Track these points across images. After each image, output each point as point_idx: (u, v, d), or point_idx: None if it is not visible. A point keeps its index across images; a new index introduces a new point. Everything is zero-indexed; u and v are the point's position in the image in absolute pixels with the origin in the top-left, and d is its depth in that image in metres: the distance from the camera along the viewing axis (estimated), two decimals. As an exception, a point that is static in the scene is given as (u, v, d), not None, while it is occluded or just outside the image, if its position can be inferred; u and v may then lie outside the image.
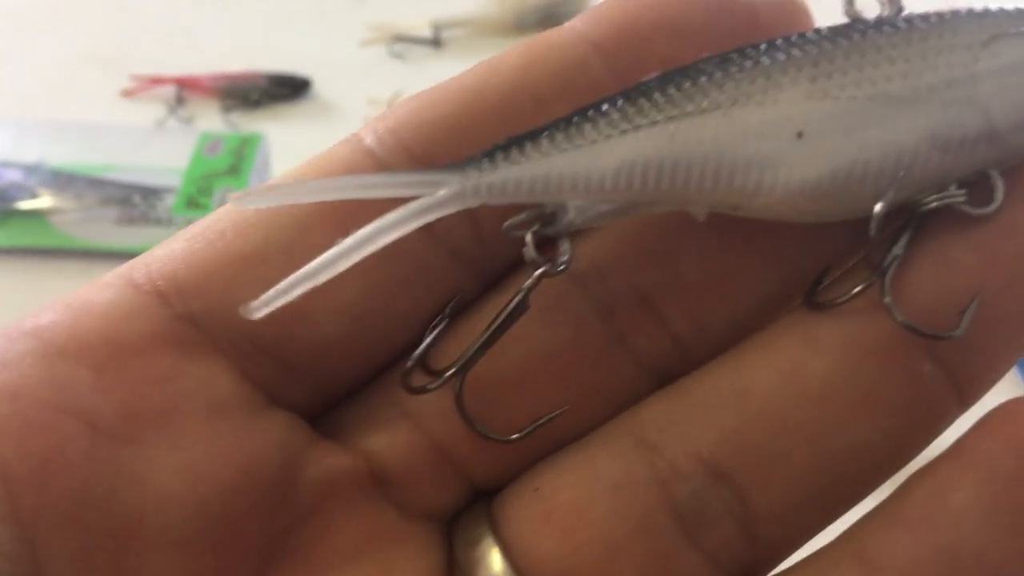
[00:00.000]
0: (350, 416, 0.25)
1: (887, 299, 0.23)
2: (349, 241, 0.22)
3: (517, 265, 0.24)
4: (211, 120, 0.71)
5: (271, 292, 0.21)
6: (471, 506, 0.25)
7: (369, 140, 0.24)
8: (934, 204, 0.23)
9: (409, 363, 0.24)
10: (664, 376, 0.25)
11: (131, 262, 0.23)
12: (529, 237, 0.23)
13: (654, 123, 0.23)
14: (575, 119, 0.23)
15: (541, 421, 0.24)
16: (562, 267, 0.23)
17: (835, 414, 0.23)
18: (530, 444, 0.24)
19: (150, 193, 0.59)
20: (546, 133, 0.23)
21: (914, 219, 0.23)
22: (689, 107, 0.23)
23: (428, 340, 0.24)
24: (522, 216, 0.23)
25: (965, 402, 0.23)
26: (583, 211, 0.24)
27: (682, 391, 0.24)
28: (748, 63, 0.23)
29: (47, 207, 0.59)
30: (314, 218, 0.23)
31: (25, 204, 0.59)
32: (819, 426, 0.23)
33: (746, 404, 0.24)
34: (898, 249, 0.23)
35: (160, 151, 0.63)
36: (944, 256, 0.23)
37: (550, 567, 0.24)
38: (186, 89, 0.73)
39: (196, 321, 0.23)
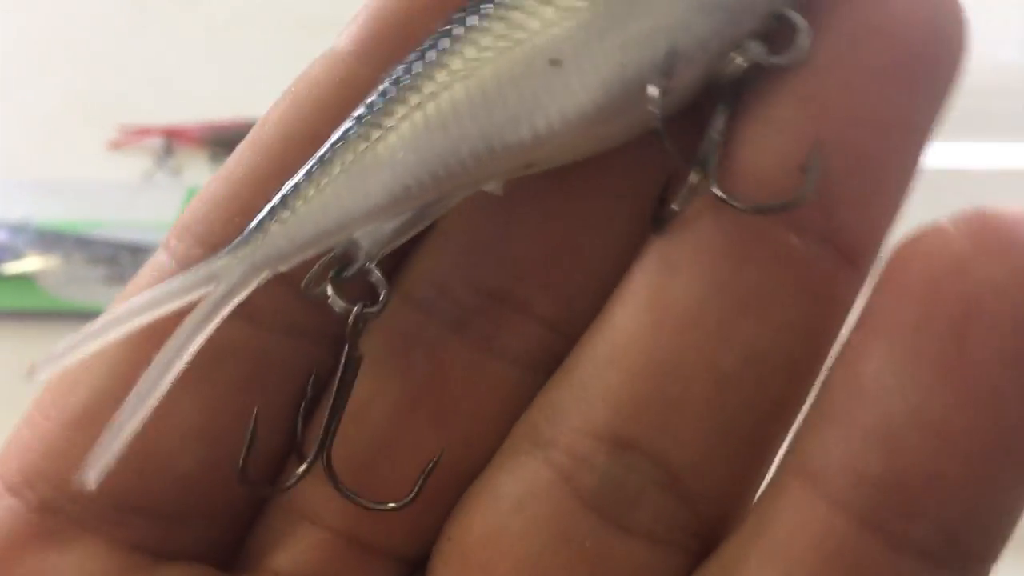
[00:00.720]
0: (255, 540, 0.24)
1: (715, 189, 0.21)
2: (152, 370, 0.21)
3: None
4: (199, 170, 0.70)
5: (95, 451, 0.20)
6: None
7: (168, 249, 0.23)
8: (732, 69, 0.21)
9: (240, 461, 0.22)
10: (552, 366, 0.23)
11: None
12: (329, 288, 0.22)
13: (402, 119, 0.21)
14: (326, 152, 0.22)
15: (424, 474, 0.23)
16: (381, 300, 0.22)
17: (714, 332, 0.21)
18: (437, 495, 0.23)
19: (138, 251, 0.58)
20: (303, 177, 0.22)
21: (724, 96, 0.21)
22: (430, 88, 0.21)
23: (299, 427, 0.23)
24: (313, 269, 0.22)
25: (858, 264, 0.21)
26: (373, 237, 0.22)
27: (563, 373, 0.23)
28: (472, 18, 0.21)
29: (34, 269, 0.57)
30: (127, 354, 0.22)
31: (11, 266, 0.58)
32: (702, 352, 0.21)
33: (623, 359, 0.22)
34: (715, 132, 0.21)
35: (148, 205, 0.62)
36: (767, 121, 0.21)
37: None
38: (173, 139, 0.71)
39: (51, 506, 0.22)
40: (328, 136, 0.22)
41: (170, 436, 0.22)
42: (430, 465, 0.23)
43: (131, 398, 0.20)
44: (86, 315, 0.64)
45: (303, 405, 0.23)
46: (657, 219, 0.22)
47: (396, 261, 0.24)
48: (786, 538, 0.20)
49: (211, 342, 0.21)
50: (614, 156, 0.22)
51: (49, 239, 0.58)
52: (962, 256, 0.18)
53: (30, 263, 0.58)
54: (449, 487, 0.23)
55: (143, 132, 0.72)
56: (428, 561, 0.23)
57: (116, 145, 0.72)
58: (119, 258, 0.58)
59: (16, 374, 0.22)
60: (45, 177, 0.65)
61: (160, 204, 0.61)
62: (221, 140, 0.71)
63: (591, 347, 0.22)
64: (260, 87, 0.79)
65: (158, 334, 0.21)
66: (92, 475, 0.20)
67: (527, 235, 0.23)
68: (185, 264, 0.22)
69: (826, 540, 0.19)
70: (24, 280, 0.58)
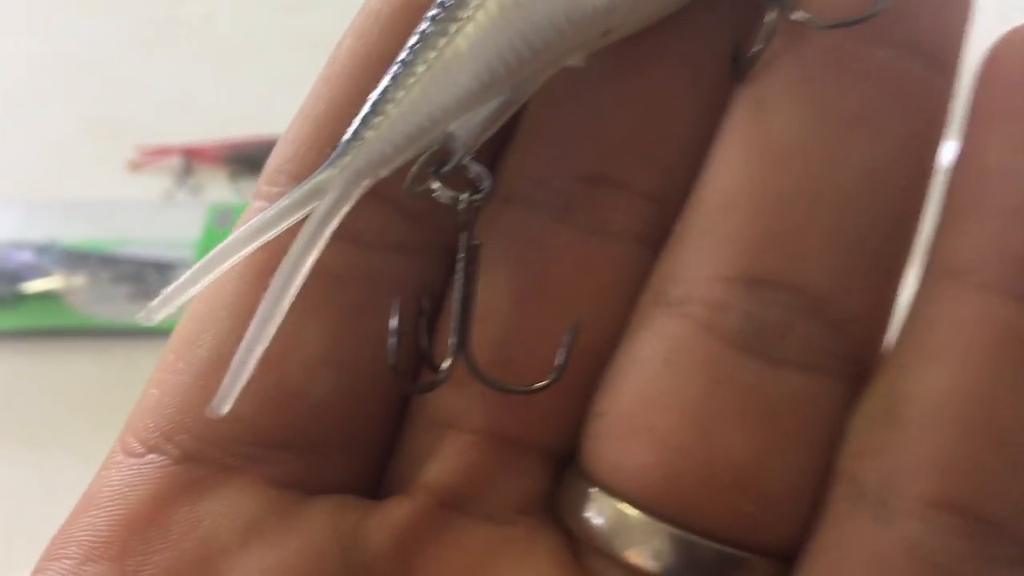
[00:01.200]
0: (400, 461, 0.24)
1: (795, 15, 0.21)
2: (270, 292, 0.21)
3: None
4: (219, 189, 0.71)
5: (225, 380, 0.21)
6: (562, 476, 0.24)
7: (262, 195, 0.23)
8: None
9: (390, 360, 0.23)
10: (661, 239, 0.23)
11: (121, 432, 0.23)
12: (435, 183, 0.22)
13: (477, 8, 0.22)
14: (407, 55, 0.22)
15: (567, 344, 0.23)
16: (486, 186, 0.22)
17: (824, 157, 0.21)
18: (576, 378, 0.23)
19: (163, 267, 0.59)
20: (390, 81, 0.22)
21: None
22: None
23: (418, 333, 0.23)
24: (415, 167, 0.23)
25: (946, 67, 0.22)
26: (467, 128, 0.23)
27: (677, 237, 0.23)
28: None
29: (60, 287, 0.58)
30: (246, 293, 0.22)
31: (38, 285, 0.58)
32: (817, 177, 0.21)
33: (739, 201, 0.22)
34: None
35: (171, 223, 0.62)
36: None
37: (658, 477, 0.22)
38: (192, 158, 0.72)
39: (194, 455, 0.22)
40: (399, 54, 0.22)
41: (298, 366, 0.22)
42: (568, 336, 0.23)
43: (254, 323, 0.21)
44: (113, 332, 0.65)
45: (426, 318, 0.24)
46: (738, 68, 0.22)
47: (490, 165, 0.24)
48: (951, 333, 0.21)
49: (324, 268, 0.21)
50: (680, 21, 0.23)
51: (75, 258, 0.59)
52: None
53: (56, 281, 0.58)
54: (586, 368, 0.23)
55: (162, 152, 0.73)
56: (579, 448, 0.23)
57: (136, 165, 0.73)
58: (144, 275, 0.59)
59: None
60: (69, 198, 0.66)
61: (182, 222, 0.62)
62: (240, 158, 0.72)
63: (701, 203, 0.22)
64: (276, 105, 0.80)
65: (273, 267, 0.21)
66: (223, 404, 0.20)
67: (614, 115, 0.23)
68: (287, 183, 0.23)
69: (991, 325, 0.20)
70: (51, 298, 0.58)
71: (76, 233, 0.61)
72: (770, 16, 0.22)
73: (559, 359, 0.23)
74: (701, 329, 0.22)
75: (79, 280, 0.58)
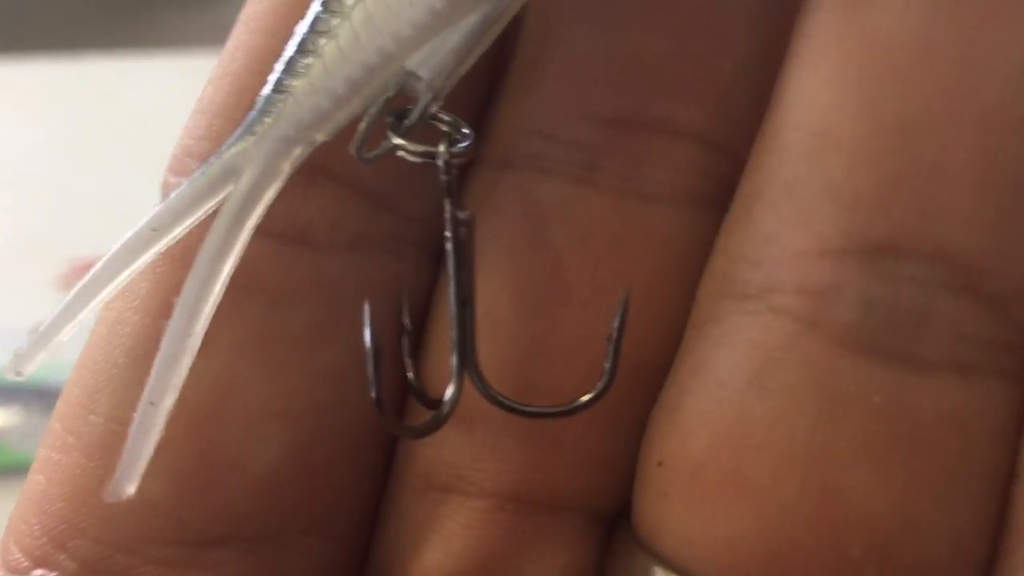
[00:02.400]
0: (389, 541, 0.18)
1: None
2: (178, 315, 0.16)
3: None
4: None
5: (127, 449, 0.16)
6: (612, 543, 0.18)
7: (168, 188, 0.17)
8: None
9: (373, 396, 0.17)
10: (723, 196, 0.17)
11: (2, 539, 0.18)
12: (395, 139, 0.17)
13: None
14: None
15: (616, 334, 0.17)
16: (467, 137, 0.17)
17: (958, 58, 0.15)
18: (623, 409, 0.17)
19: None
20: (320, 8, 0.16)
21: None
22: None
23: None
24: (362, 126, 0.17)
25: None
26: (432, 63, 0.17)
27: (750, 194, 0.17)
28: None
29: (-6, 426, 0.55)
30: (148, 324, 0.17)
31: (-32, 427, 0.55)
32: (951, 89, 0.15)
33: (840, 139, 0.16)
34: None
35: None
36: None
37: (753, 551, 0.16)
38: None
39: (96, 567, 0.17)
40: None
41: (233, 423, 0.17)
42: (616, 321, 0.17)
43: (158, 363, 0.16)
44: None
45: (409, 338, 0.18)
46: None
47: (475, 119, 0.18)
48: None
49: (260, 281, 0.17)
50: None
51: (5, 392, 0.56)
52: None
53: (-11, 421, 0.55)
54: (636, 390, 0.17)
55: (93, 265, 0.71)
56: (633, 507, 0.17)
57: (67, 281, 0.72)
58: (81, 405, 0.56)
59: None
60: (-3, 324, 0.63)
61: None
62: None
63: (782, 144, 0.16)
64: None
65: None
66: (127, 484, 0.16)
67: (641, 31, 0.17)
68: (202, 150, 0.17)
69: None
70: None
71: (5, 363, 0.58)
72: None
73: (606, 362, 0.17)
74: (802, 328, 0.16)
75: (13, 415, 0.56)
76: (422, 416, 0.18)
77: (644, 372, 0.17)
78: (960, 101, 0.15)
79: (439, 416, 0.17)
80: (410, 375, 0.18)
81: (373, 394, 0.17)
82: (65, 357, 0.56)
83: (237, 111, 0.17)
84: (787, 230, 0.16)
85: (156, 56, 0.81)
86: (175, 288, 0.16)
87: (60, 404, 0.18)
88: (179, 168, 0.18)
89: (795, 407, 0.16)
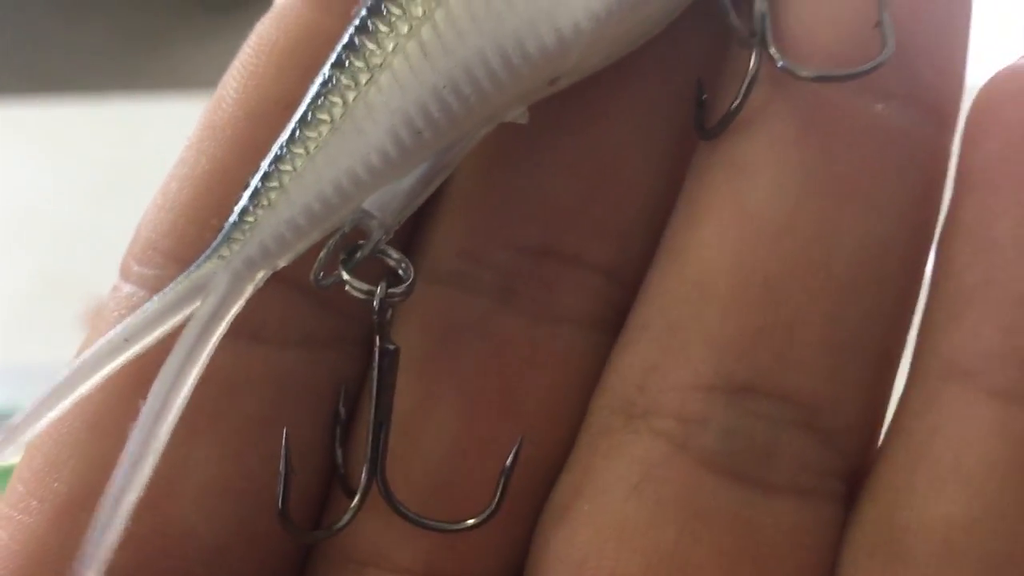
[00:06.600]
0: None
1: (781, 63, 0.18)
2: (144, 417, 0.17)
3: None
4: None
5: (92, 535, 0.17)
6: None
7: (131, 276, 0.19)
8: None
9: (278, 501, 0.19)
10: (618, 320, 0.20)
11: None
12: (345, 274, 0.19)
13: (393, 53, 0.18)
14: (307, 111, 0.18)
15: (505, 473, 0.19)
16: (406, 280, 0.19)
17: (816, 233, 0.18)
18: (522, 500, 0.19)
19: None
20: (286, 143, 0.18)
21: None
22: (418, 10, 0.18)
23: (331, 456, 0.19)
24: (322, 253, 0.19)
25: (947, 120, 0.19)
26: (385, 203, 0.19)
27: (638, 326, 0.19)
28: None
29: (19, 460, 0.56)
30: (109, 401, 0.18)
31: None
32: (808, 259, 0.18)
33: (715, 289, 0.19)
34: (761, 3, 0.18)
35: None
36: None
37: None
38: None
39: None
40: (300, 98, 0.18)
41: (186, 500, 0.18)
42: (509, 459, 0.19)
43: (125, 457, 0.17)
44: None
45: (337, 428, 0.20)
46: (701, 124, 0.19)
47: (408, 238, 0.20)
48: (959, 449, 0.17)
49: (215, 373, 0.18)
50: (635, 62, 0.19)
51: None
52: None
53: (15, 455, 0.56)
54: (533, 488, 0.20)
55: (117, 302, 0.72)
56: None
57: (89, 318, 0.73)
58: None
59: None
60: (20, 362, 0.64)
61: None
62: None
63: (668, 287, 0.19)
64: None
65: (144, 369, 0.18)
66: (90, 566, 0.17)
67: (558, 176, 0.20)
68: (159, 290, 0.18)
69: (1006, 439, 0.17)
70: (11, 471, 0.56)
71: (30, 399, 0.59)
72: (751, 64, 0.18)
73: (497, 491, 0.19)
74: (674, 449, 0.19)
75: None
76: (345, 499, 0.19)
77: (541, 469, 0.20)
78: (813, 270, 0.18)
79: (339, 525, 0.19)
80: (339, 462, 0.20)
81: (279, 502, 0.19)
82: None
83: (201, 212, 0.19)
84: (668, 363, 0.19)
85: (173, 96, 0.82)
86: (138, 373, 0.18)
87: (22, 467, 0.19)
88: (142, 258, 0.19)
89: (665, 517, 0.18)
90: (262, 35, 0.20)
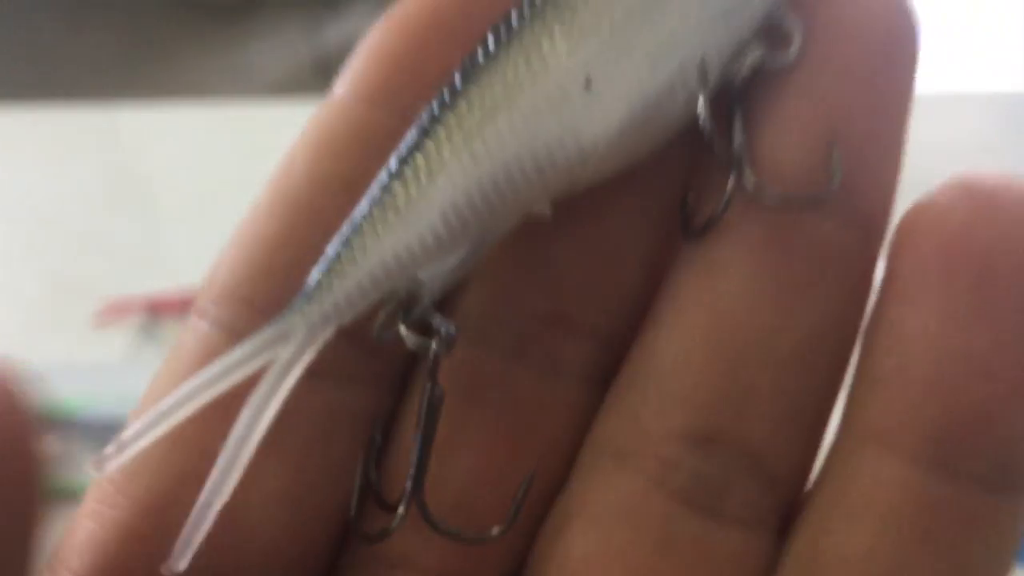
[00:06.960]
0: None
1: (750, 186, 0.22)
2: (232, 440, 0.21)
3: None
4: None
5: (184, 533, 0.20)
6: None
7: (207, 316, 0.23)
8: (744, 73, 0.22)
9: (351, 509, 0.23)
10: (607, 377, 0.24)
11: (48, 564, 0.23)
12: (403, 330, 0.23)
13: (452, 156, 0.22)
14: (373, 196, 0.22)
15: (520, 496, 0.23)
16: (450, 338, 0.23)
17: (770, 323, 0.23)
18: (526, 519, 0.24)
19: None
20: (355, 225, 0.22)
21: (737, 98, 0.22)
22: (471, 121, 0.22)
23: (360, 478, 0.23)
24: (383, 314, 0.23)
25: (877, 236, 0.23)
26: (436, 273, 0.23)
27: (629, 384, 0.24)
28: (493, 47, 0.22)
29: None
30: (188, 421, 0.22)
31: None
32: (763, 342, 0.23)
33: (692, 361, 0.23)
34: (740, 134, 0.22)
35: (137, 381, 0.62)
36: (778, 119, 0.22)
37: None
38: (158, 311, 0.72)
39: None
40: (359, 181, 0.23)
41: (253, 505, 0.22)
42: (524, 486, 0.23)
43: (215, 473, 0.21)
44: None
45: (376, 451, 0.24)
46: (686, 227, 0.23)
47: (439, 304, 0.24)
48: (869, 497, 0.22)
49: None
50: (634, 175, 0.23)
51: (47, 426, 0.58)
52: (962, 224, 0.21)
53: (27, 451, 0.57)
54: (536, 510, 0.24)
55: (124, 309, 0.72)
56: None
57: (100, 320, 0.73)
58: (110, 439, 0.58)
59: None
60: (33, 364, 0.65)
61: (148, 378, 0.62)
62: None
63: (654, 357, 0.23)
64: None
65: (217, 403, 0.21)
66: (181, 560, 0.20)
67: (567, 256, 0.24)
68: (234, 329, 0.23)
69: (907, 492, 0.21)
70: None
71: (44, 399, 0.60)
72: (730, 184, 0.23)
73: (514, 509, 0.23)
74: (653, 486, 0.23)
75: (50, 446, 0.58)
76: (376, 509, 0.24)
77: (543, 495, 0.24)
78: (767, 350, 0.23)
79: (391, 528, 0.23)
80: (373, 479, 0.24)
81: (352, 511, 0.23)
82: (101, 394, 0.58)
83: (271, 267, 0.23)
84: (649, 415, 0.23)
85: (181, 104, 0.83)
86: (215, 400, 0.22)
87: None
88: (219, 301, 0.23)
89: (641, 541, 0.23)
90: (323, 120, 0.24)
